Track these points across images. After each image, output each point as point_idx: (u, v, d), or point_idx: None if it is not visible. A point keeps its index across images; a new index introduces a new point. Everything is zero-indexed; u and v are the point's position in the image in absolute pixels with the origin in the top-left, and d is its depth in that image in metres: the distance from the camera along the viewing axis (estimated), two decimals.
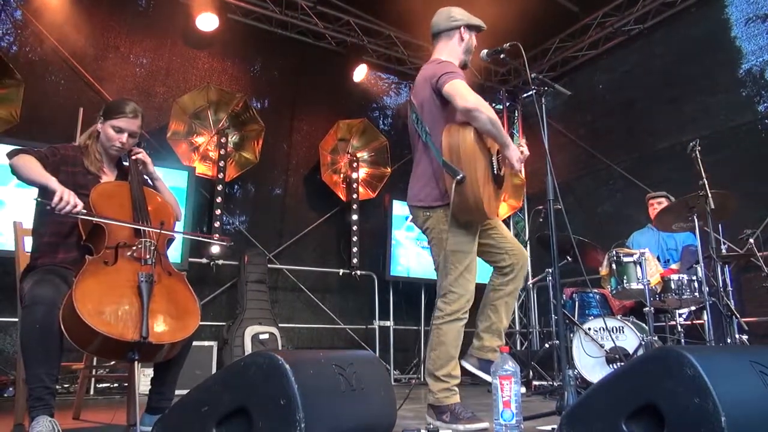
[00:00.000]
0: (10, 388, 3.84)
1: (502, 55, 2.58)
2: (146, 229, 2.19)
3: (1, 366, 4.21)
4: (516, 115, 7.46)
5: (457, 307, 2.48)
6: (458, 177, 2.34)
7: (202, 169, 5.31)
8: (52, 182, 2.09)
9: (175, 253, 4.73)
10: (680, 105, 5.49)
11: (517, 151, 2.50)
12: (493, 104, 7.47)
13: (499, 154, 2.57)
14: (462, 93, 2.39)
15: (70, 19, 4.84)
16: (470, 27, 2.68)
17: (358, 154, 6.17)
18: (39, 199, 2.15)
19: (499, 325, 2.60)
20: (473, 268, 2.52)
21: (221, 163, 5.24)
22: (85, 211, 2.09)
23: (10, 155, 2.17)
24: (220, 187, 5.23)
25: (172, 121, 5.09)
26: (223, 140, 5.28)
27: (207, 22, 5.24)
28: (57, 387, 2.01)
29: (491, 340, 2.59)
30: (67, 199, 2.03)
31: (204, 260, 5.21)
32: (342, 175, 6.17)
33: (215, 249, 5.18)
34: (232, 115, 5.40)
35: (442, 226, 2.50)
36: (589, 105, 6.50)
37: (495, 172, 2.52)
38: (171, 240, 2.39)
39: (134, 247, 2.14)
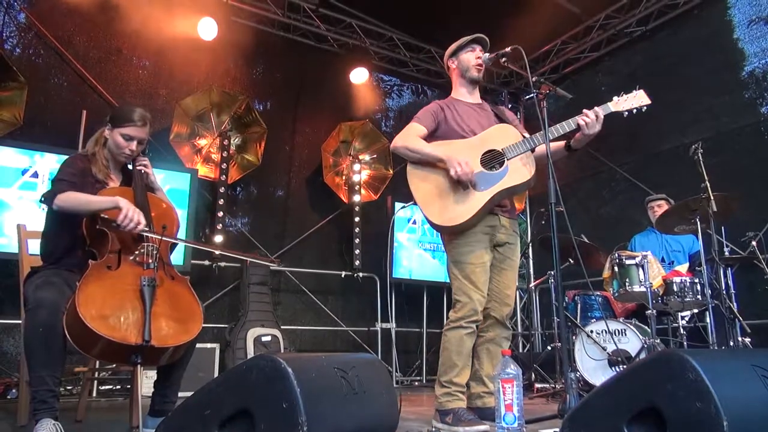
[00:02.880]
0: (14, 390, 3.84)
1: (503, 59, 2.59)
2: (150, 235, 2.19)
3: (4, 368, 4.21)
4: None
5: (461, 314, 2.52)
6: (412, 203, 2.58)
7: (205, 171, 5.31)
8: (109, 202, 2.13)
9: (177, 255, 4.71)
10: (683, 107, 5.47)
11: (455, 165, 2.46)
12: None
13: (492, 154, 2.59)
14: (399, 134, 2.66)
15: (73, 22, 4.86)
16: (454, 53, 2.81)
17: (360, 156, 6.18)
18: (104, 216, 2.14)
19: (482, 372, 2.62)
20: (476, 279, 2.53)
21: (224, 166, 5.25)
22: (147, 228, 2.14)
23: (48, 201, 2.17)
24: (222, 190, 5.23)
25: (174, 124, 5.11)
26: (225, 142, 5.29)
27: (207, 28, 5.25)
28: (60, 389, 2.02)
29: (476, 387, 2.63)
30: (131, 216, 2.08)
31: (206, 262, 5.22)
32: (344, 177, 6.17)
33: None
34: (234, 117, 5.40)
35: (445, 238, 2.67)
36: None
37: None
38: (174, 245, 2.41)
39: (137, 252, 2.15)
